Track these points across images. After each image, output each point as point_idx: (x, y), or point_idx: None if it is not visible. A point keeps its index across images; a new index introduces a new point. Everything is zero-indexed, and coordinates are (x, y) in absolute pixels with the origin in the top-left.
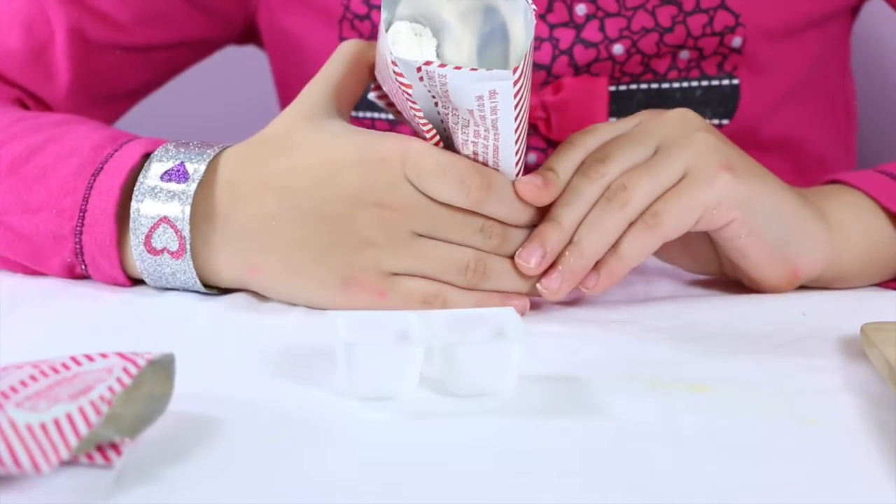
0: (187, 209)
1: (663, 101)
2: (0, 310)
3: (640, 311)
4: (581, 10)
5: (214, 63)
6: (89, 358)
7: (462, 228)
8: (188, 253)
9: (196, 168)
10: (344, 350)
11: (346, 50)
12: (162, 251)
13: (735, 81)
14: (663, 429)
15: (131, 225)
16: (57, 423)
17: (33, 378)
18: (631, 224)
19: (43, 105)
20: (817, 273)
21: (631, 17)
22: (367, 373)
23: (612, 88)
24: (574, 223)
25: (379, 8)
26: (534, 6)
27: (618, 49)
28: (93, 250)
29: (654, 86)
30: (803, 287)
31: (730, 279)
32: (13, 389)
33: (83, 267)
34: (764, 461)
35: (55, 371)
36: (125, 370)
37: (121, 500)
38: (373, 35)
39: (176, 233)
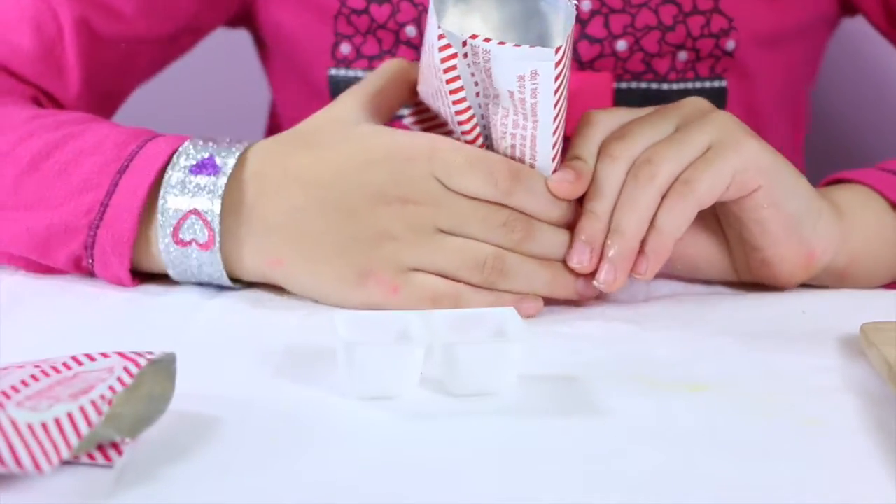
0: (217, 202)
1: (662, 101)
2: (1, 309)
3: (640, 310)
4: (586, 5)
5: (213, 64)
6: (90, 357)
7: (485, 222)
8: (217, 245)
9: (225, 161)
10: (345, 350)
11: (389, 66)
12: (190, 242)
13: (723, 83)
14: (663, 429)
15: (159, 217)
16: (58, 422)
17: (34, 377)
18: (664, 197)
19: (56, 104)
20: (830, 257)
21: (635, 14)
22: (367, 372)
23: (615, 86)
24: (608, 209)
25: (378, 1)
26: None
27: (621, 45)
28: (105, 246)
29: (654, 86)
30: (804, 286)
31: (743, 280)
32: (14, 389)
33: (90, 261)
34: (764, 461)
35: (56, 371)
36: (126, 370)
37: (121, 500)
38: (369, 29)
39: (205, 224)
